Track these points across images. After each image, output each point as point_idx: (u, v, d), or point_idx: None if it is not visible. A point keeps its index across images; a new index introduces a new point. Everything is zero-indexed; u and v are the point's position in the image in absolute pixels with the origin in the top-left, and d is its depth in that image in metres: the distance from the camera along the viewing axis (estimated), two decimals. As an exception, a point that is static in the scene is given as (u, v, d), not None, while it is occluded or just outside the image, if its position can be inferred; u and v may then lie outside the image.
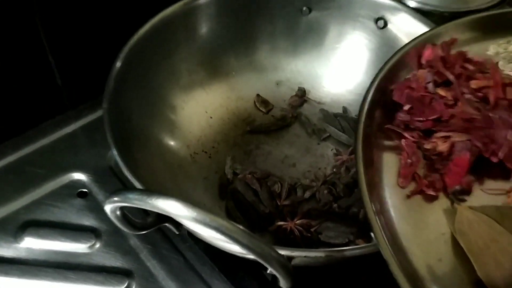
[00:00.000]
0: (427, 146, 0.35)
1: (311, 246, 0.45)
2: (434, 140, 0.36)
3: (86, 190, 0.52)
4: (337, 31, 0.54)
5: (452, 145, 0.35)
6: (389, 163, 0.36)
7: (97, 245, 0.48)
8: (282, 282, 0.32)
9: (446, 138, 0.35)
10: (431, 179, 0.35)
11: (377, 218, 0.32)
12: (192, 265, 0.48)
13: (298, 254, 0.34)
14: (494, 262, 0.31)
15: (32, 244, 0.48)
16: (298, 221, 0.46)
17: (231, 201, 0.48)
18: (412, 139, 0.36)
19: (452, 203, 0.34)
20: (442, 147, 0.35)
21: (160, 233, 0.50)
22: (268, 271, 0.36)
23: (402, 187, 0.35)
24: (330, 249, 0.38)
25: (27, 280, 0.46)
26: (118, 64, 0.43)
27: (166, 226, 0.46)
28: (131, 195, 0.29)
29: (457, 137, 0.35)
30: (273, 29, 0.54)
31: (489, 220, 0.33)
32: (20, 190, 0.51)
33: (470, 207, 0.34)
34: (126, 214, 0.34)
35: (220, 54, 0.53)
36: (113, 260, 0.48)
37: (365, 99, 0.37)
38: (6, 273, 0.46)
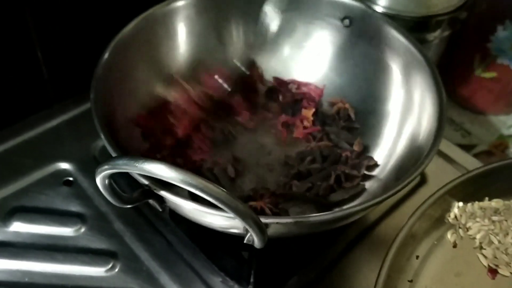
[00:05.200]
0: None
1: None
2: None
3: (71, 178, 0.55)
4: (304, 30, 0.58)
5: None
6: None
7: (83, 229, 0.51)
8: (257, 240, 0.35)
9: None
10: None
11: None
12: (174, 247, 0.51)
13: (271, 221, 0.37)
14: None
15: (20, 228, 0.50)
16: (267, 200, 0.49)
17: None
18: None
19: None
20: None
21: (143, 217, 0.53)
22: (245, 241, 0.39)
23: None
24: (299, 216, 0.42)
25: (16, 261, 0.48)
26: (106, 55, 0.47)
27: (149, 214, 0.49)
28: (120, 161, 0.32)
29: None
30: (247, 28, 0.58)
31: None
32: (8, 178, 0.54)
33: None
34: (114, 185, 0.37)
35: (198, 52, 0.57)
36: (98, 243, 0.50)
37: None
38: (-4, 255, 0.48)
